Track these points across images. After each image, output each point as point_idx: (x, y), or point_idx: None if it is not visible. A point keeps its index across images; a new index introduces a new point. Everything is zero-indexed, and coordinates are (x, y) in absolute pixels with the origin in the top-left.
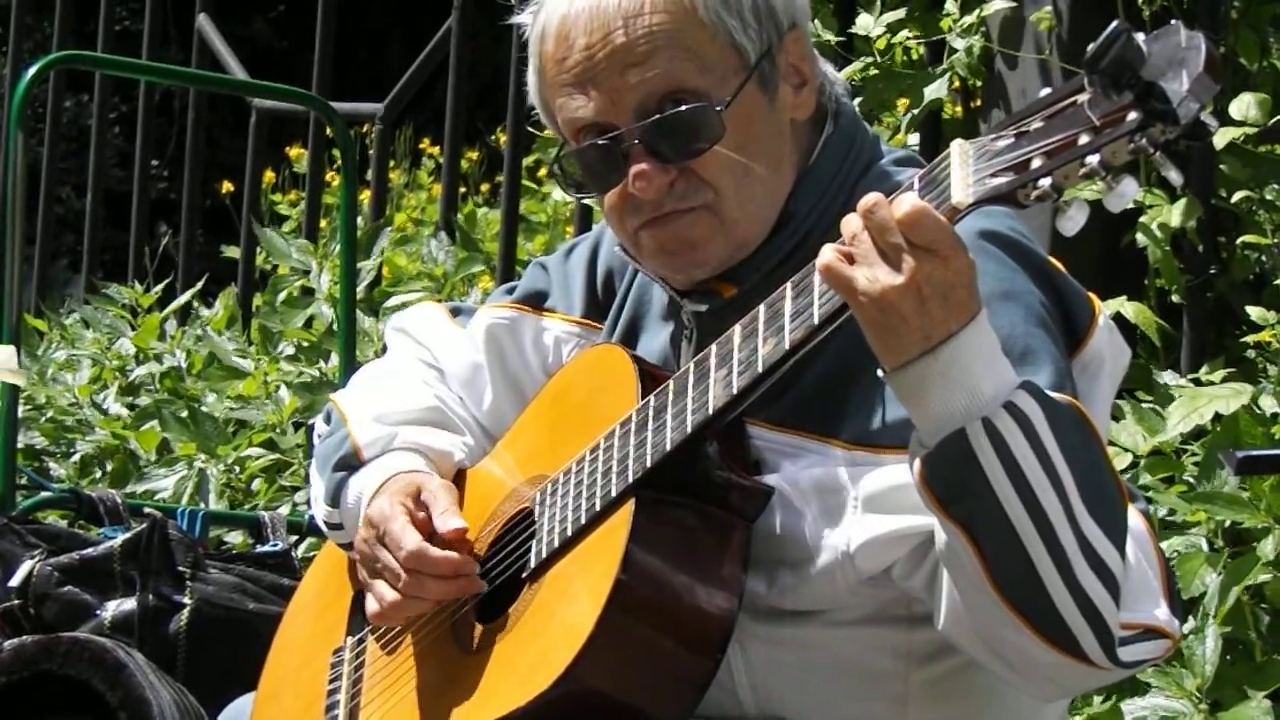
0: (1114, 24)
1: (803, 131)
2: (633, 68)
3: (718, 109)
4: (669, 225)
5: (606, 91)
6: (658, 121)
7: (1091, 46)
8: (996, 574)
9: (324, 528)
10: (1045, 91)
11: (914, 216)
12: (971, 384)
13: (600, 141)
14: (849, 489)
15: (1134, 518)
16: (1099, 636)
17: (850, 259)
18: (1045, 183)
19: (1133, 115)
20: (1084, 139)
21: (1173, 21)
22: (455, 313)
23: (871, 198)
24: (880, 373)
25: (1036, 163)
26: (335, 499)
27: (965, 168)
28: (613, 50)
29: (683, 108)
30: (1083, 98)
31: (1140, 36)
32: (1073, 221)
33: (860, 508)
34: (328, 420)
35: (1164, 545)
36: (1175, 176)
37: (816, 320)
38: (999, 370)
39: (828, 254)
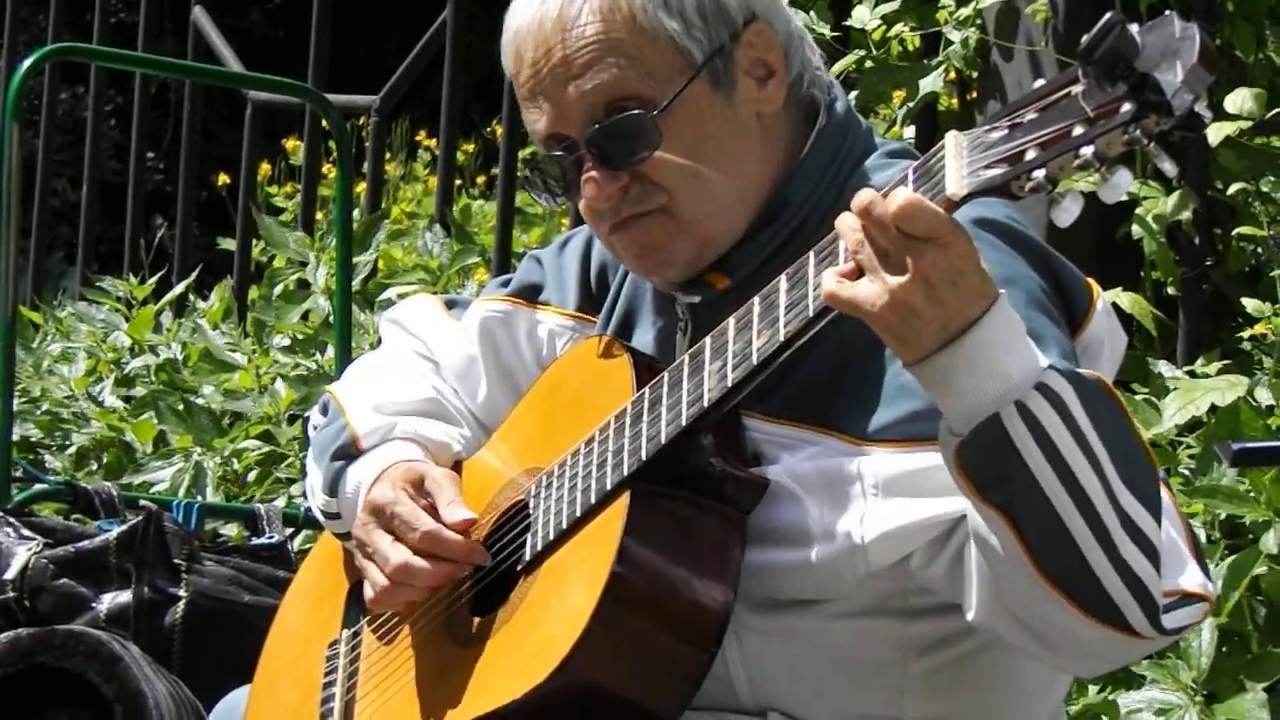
0: (1108, 15)
1: (788, 123)
2: (574, 80)
3: (652, 114)
4: (629, 230)
5: (555, 104)
6: (598, 130)
7: (1085, 38)
8: (1039, 556)
9: (320, 517)
10: (1039, 83)
11: (908, 209)
12: (999, 368)
13: (556, 153)
14: (859, 478)
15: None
16: (1144, 608)
17: (850, 276)
18: (1039, 174)
19: (1127, 107)
20: (1078, 130)
21: (1167, 12)
22: (450, 305)
23: (865, 196)
24: (903, 365)
25: (1030, 154)
26: (333, 488)
27: (959, 159)
28: (554, 64)
29: (619, 115)
30: (1077, 89)
31: (1134, 28)
32: (1067, 213)
33: (880, 494)
34: (324, 411)
35: None
36: (1170, 167)
37: (811, 312)
38: (1025, 352)
39: (829, 281)
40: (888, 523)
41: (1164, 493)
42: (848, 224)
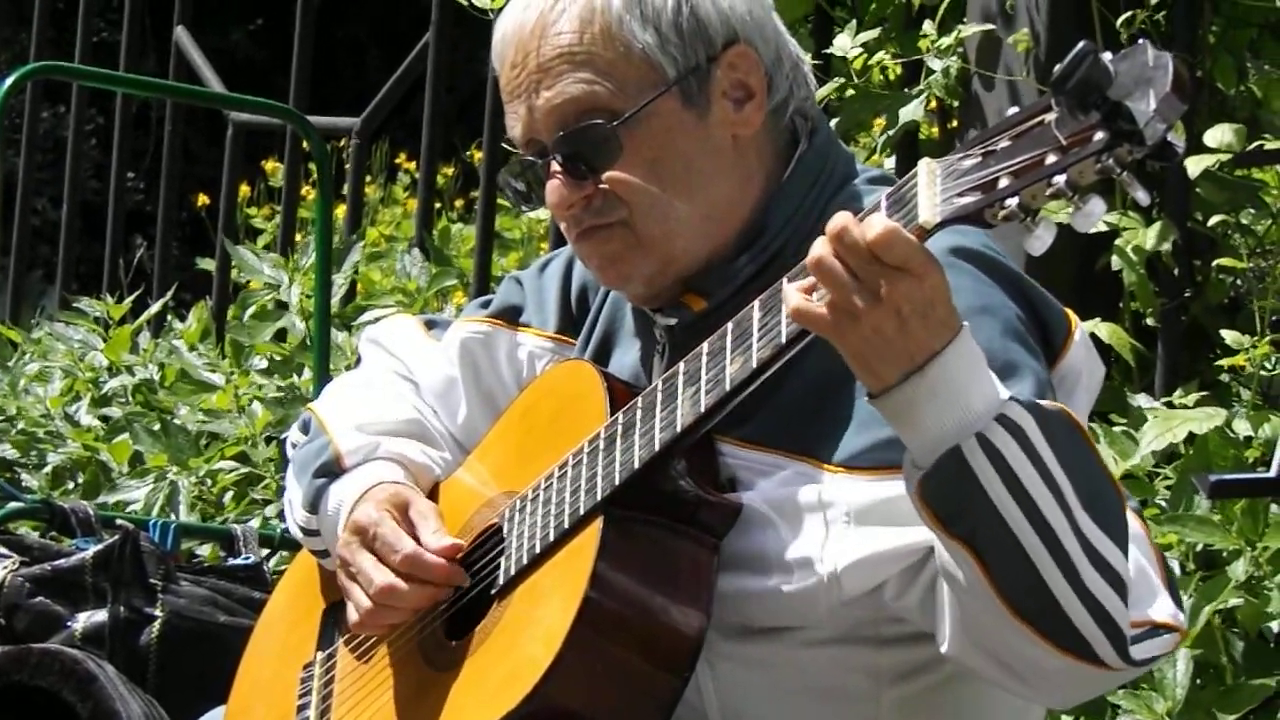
0: (1081, 44)
1: (770, 148)
2: (546, 87)
3: (613, 126)
4: (590, 240)
5: (529, 108)
6: (562, 138)
7: (1058, 67)
8: (1004, 587)
9: (299, 534)
10: (1013, 110)
11: (885, 238)
12: (962, 400)
13: (528, 157)
14: (832, 505)
15: (1130, 519)
16: (1112, 639)
17: (809, 291)
18: (1012, 202)
19: (1099, 135)
20: (1051, 159)
21: (1140, 41)
22: (430, 325)
23: (839, 221)
24: (866, 398)
25: (1004, 182)
26: (314, 505)
27: (933, 187)
28: (530, 70)
29: (582, 125)
30: (1050, 117)
31: (1107, 56)
32: (1040, 241)
33: (852, 522)
34: (304, 429)
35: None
36: (1143, 196)
37: (784, 339)
38: (987, 384)
39: (794, 298)
40: (860, 551)
41: (1135, 522)
42: (820, 247)
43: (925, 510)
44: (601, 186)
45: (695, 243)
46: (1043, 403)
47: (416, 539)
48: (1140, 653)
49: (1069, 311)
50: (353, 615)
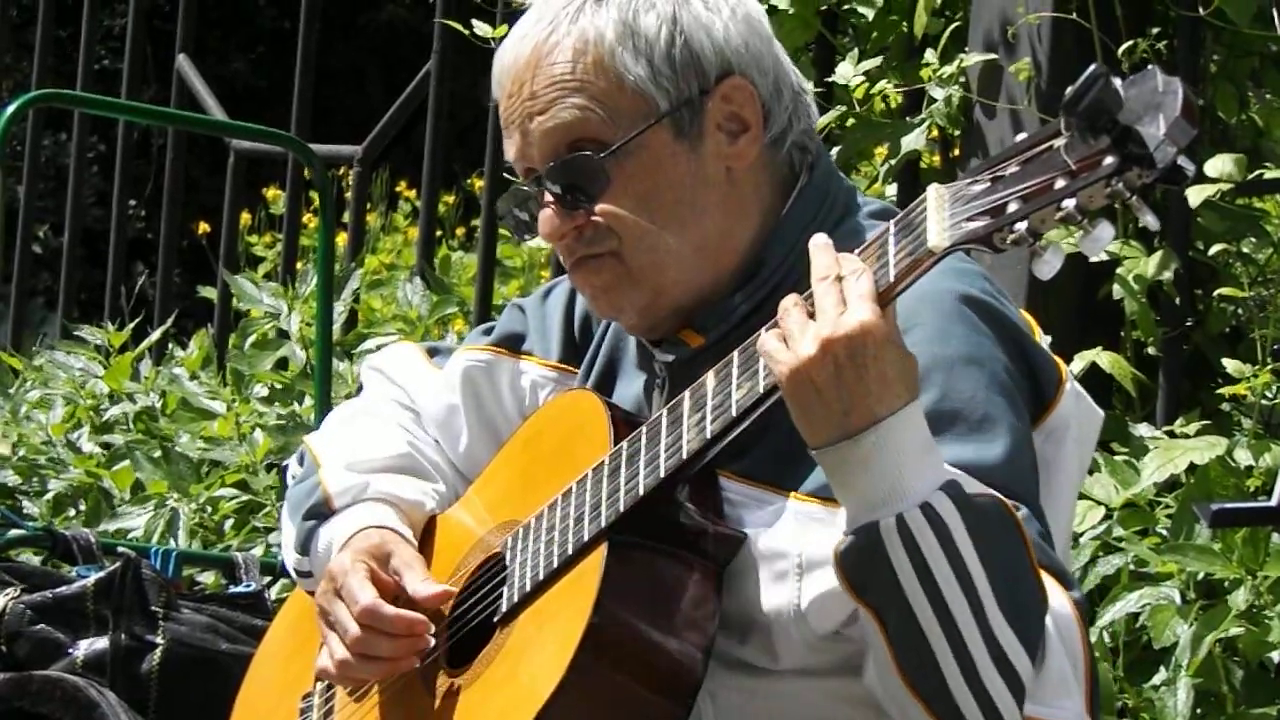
0: (1092, 67)
1: (768, 181)
2: (538, 115)
3: (602, 156)
4: (582, 270)
5: (523, 135)
6: (553, 168)
7: (1069, 90)
8: (902, 662)
9: (293, 575)
10: (1021, 136)
11: (832, 276)
12: (894, 476)
13: (523, 186)
14: (792, 553)
15: (1065, 605)
16: None
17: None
18: (1021, 227)
19: (1109, 159)
20: (1060, 183)
21: (1149, 66)
22: (432, 353)
23: (820, 239)
24: (807, 448)
25: (1013, 207)
26: (305, 547)
27: (941, 212)
28: (524, 98)
29: (572, 156)
30: (1059, 142)
31: (1117, 81)
32: (1049, 265)
33: (804, 568)
34: (300, 462)
35: (1134, 597)
36: (1152, 221)
37: None
38: (927, 465)
39: (764, 338)
40: (819, 588)
41: (1070, 611)
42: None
43: (839, 572)
44: (593, 217)
45: (687, 274)
46: (976, 495)
47: (402, 589)
48: None
49: (1060, 362)
50: (327, 663)
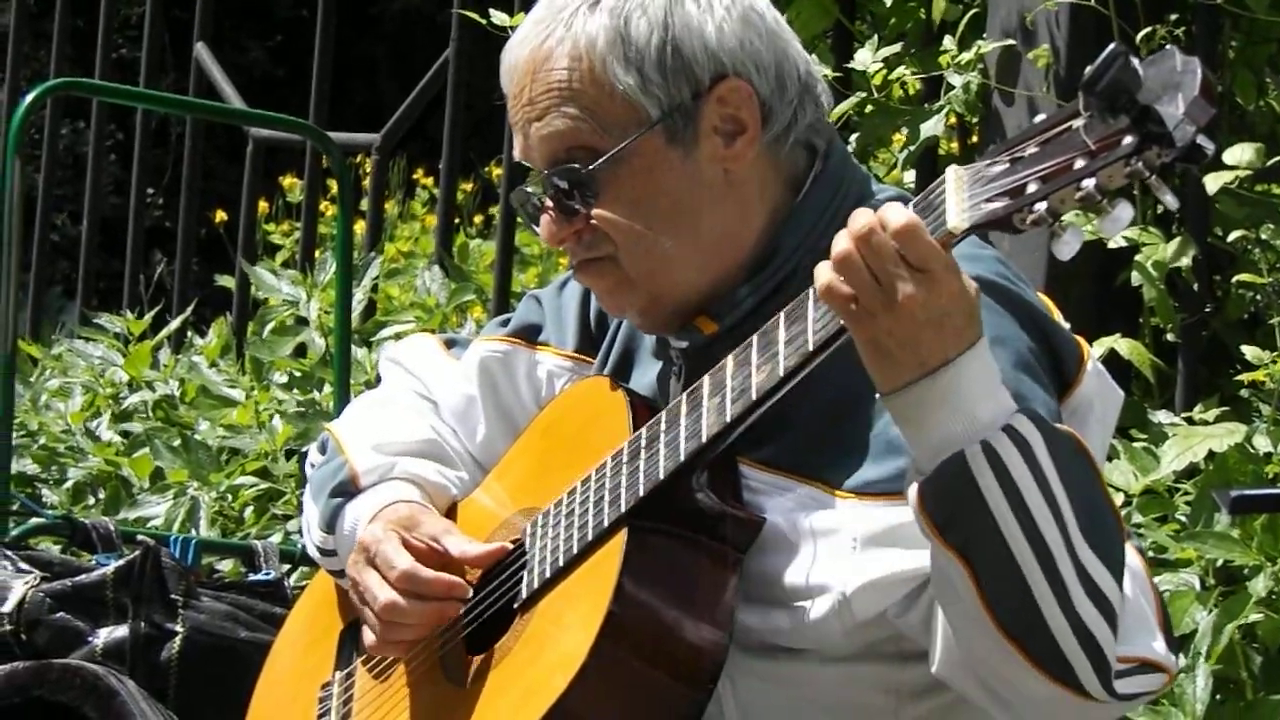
0: (1111, 46)
1: (776, 175)
2: (535, 121)
3: (590, 168)
4: (585, 272)
5: (524, 138)
6: (548, 176)
7: (1088, 69)
8: (993, 601)
9: (316, 555)
10: (1040, 117)
11: (910, 230)
12: (970, 408)
13: (528, 188)
14: (840, 530)
15: (1130, 554)
16: (1096, 668)
17: (843, 276)
18: (1041, 207)
19: (1129, 139)
20: (1080, 163)
21: (1168, 46)
22: (450, 344)
23: (863, 216)
24: (878, 395)
25: (1032, 187)
26: (331, 525)
27: (960, 193)
28: (523, 102)
29: (563, 166)
30: (1078, 122)
31: (1136, 60)
32: (1068, 246)
33: (859, 548)
34: (323, 450)
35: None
36: (1171, 201)
37: (811, 346)
38: (997, 396)
39: (825, 273)
40: (868, 574)
41: (1136, 559)
42: (843, 241)
43: (923, 515)
44: (591, 222)
45: (688, 276)
46: (1052, 423)
47: (437, 554)
48: (1125, 687)
49: (1081, 341)
50: (368, 636)
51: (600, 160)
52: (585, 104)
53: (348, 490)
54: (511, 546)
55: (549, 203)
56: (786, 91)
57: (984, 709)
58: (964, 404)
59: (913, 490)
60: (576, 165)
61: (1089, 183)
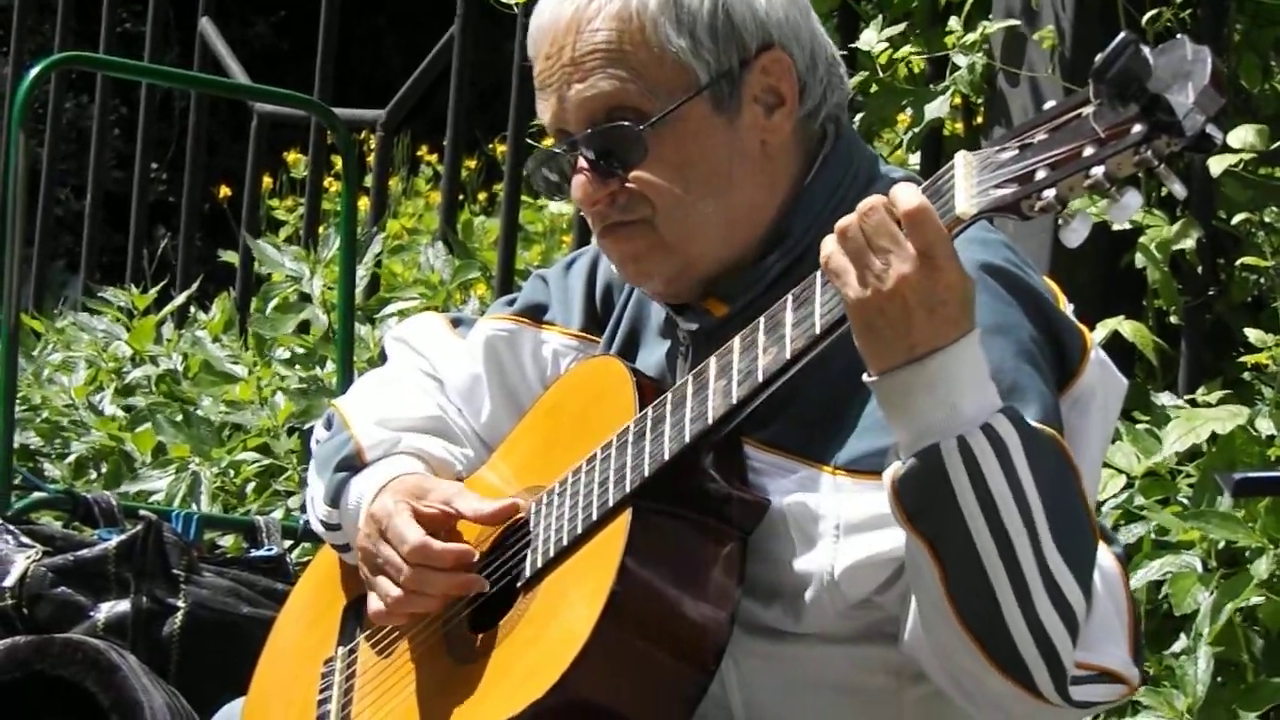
0: (1122, 34)
1: (796, 151)
2: (578, 82)
3: (641, 128)
4: (613, 236)
5: (560, 100)
6: (590, 135)
7: (1099, 57)
8: (956, 595)
9: (320, 529)
10: (1050, 104)
11: (920, 212)
12: (952, 400)
13: (557, 148)
14: (829, 517)
15: (1107, 559)
16: (1052, 672)
17: (846, 253)
18: (1049, 194)
19: (1138, 127)
20: (1089, 150)
21: (1179, 36)
22: (456, 323)
23: (872, 199)
24: (866, 377)
25: (1041, 174)
26: (335, 499)
27: (969, 179)
28: (564, 63)
29: (611, 124)
30: (1088, 110)
31: (1146, 49)
32: (1076, 234)
33: (842, 534)
34: (328, 425)
35: (1155, 566)
36: (1179, 189)
37: (819, 330)
38: (984, 392)
39: (829, 244)
40: (855, 555)
41: (1113, 566)
42: (847, 219)
43: (895, 502)
44: (627, 185)
45: (716, 246)
46: (1034, 424)
47: (450, 518)
48: (1081, 694)
49: (1085, 330)
50: (376, 605)
51: (652, 120)
52: (634, 65)
53: (353, 465)
54: (524, 505)
55: (584, 164)
56: (818, 69)
57: (945, 693)
58: (948, 395)
59: (889, 474)
60: (626, 124)
61: (1098, 170)
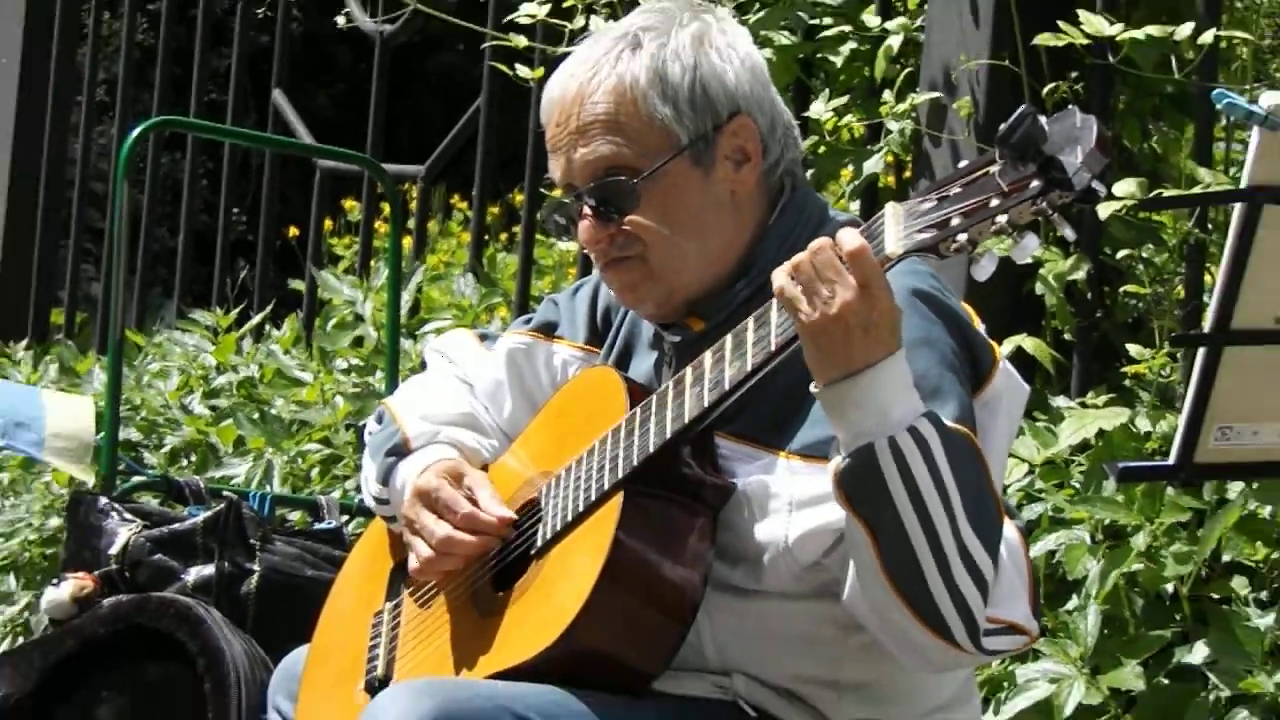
0: (1022, 107)
1: (760, 198)
2: (582, 145)
3: (634, 182)
4: (613, 269)
5: (567, 160)
6: (592, 188)
7: (1003, 126)
8: (888, 565)
9: (372, 504)
10: (963, 163)
11: (859, 250)
12: (883, 407)
13: (567, 199)
14: (783, 495)
15: (1011, 532)
16: (967, 627)
17: (798, 284)
18: (962, 238)
19: (1035, 183)
20: (994, 202)
21: (1070, 106)
22: (483, 338)
23: (820, 241)
24: (813, 388)
25: (955, 221)
26: (385, 479)
27: (897, 225)
28: (570, 130)
29: (609, 179)
30: (994, 168)
31: (1043, 118)
32: (984, 269)
33: (794, 508)
34: (379, 420)
35: (1052, 538)
36: (1070, 233)
37: (773, 348)
38: (909, 399)
39: (780, 276)
40: (805, 526)
41: (1016, 537)
42: (800, 255)
43: (837, 488)
44: (624, 228)
45: (696, 276)
46: (951, 425)
47: (474, 501)
48: (991, 644)
49: (994, 345)
50: (413, 563)
51: (640, 177)
52: (627, 131)
53: (400, 451)
54: (518, 518)
55: (588, 211)
56: (777, 132)
57: (878, 641)
58: (879, 403)
59: (831, 467)
60: (622, 178)
61: (1002, 218)
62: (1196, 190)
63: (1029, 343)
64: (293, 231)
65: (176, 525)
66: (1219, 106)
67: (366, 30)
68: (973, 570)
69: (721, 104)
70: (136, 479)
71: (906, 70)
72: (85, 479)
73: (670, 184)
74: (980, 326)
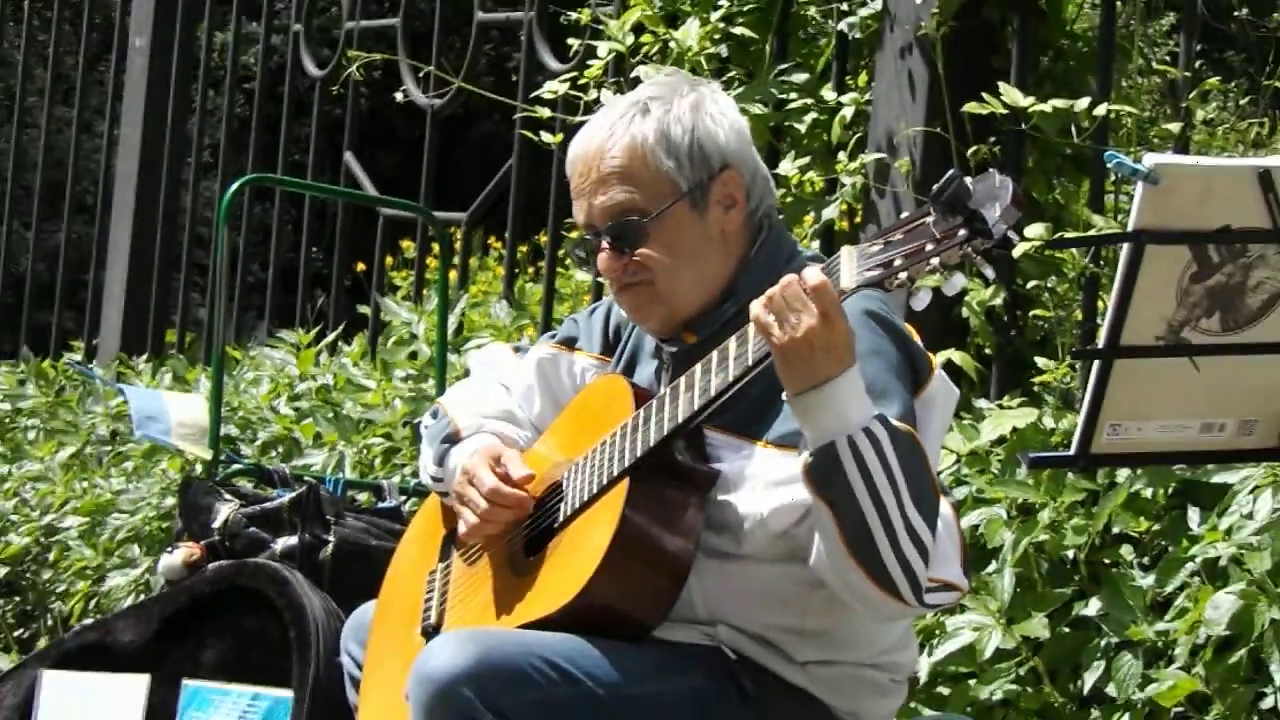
0: (950, 171)
1: (744, 235)
2: (601, 193)
3: (644, 221)
4: (625, 293)
5: (588, 204)
6: (609, 227)
7: (935, 186)
8: (847, 537)
9: (429, 482)
10: (904, 215)
11: (821, 285)
12: (841, 412)
13: (588, 236)
14: (760, 476)
15: (946, 508)
16: (912, 586)
17: (771, 314)
18: (903, 276)
19: (962, 232)
20: (929, 247)
21: (990, 169)
22: (516, 350)
23: (789, 277)
24: (784, 396)
25: (897, 262)
26: (440, 461)
27: (851, 264)
28: (591, 180)
29: (623, 220)
30: (929, 219)
31: (968, 179)
32: (921, 301)
33: (773, 485)
34: (434, 415)
35: (976, 514)
36: (989, 272)
37: (750, 363)
38: (863, 404)
39: (756, 307)
40: (778, 501)
41: (949, 511)
42: (772, 289)
43: (806, 478)
44: (634, 259)
45: (692, 299)
46: (898, 425)
47: (508, 474)
48: (931, 599)
49: (931, 356)
50: (462, 528)
51: (648, 218)
52: (638, 181)
53: (452, 439)
54: (538, 496)
55: (606, 246)
56: (758, 182)
57: (838, 595)
58: (838, 409)
59: (800, 460)
60: (634, 219)
61: (935, 261)
62: (1091, 233)
63: (957, 356)
64: (360, 266)
65: (267, 504)
66: (1110, 165)
67: (420, 104)
68: (916, 540)
69: (714, 159)
70: (235, 466)
71: (857, 135)
72: (205, 456)
73: (673, 223)
74: (919, 341)
